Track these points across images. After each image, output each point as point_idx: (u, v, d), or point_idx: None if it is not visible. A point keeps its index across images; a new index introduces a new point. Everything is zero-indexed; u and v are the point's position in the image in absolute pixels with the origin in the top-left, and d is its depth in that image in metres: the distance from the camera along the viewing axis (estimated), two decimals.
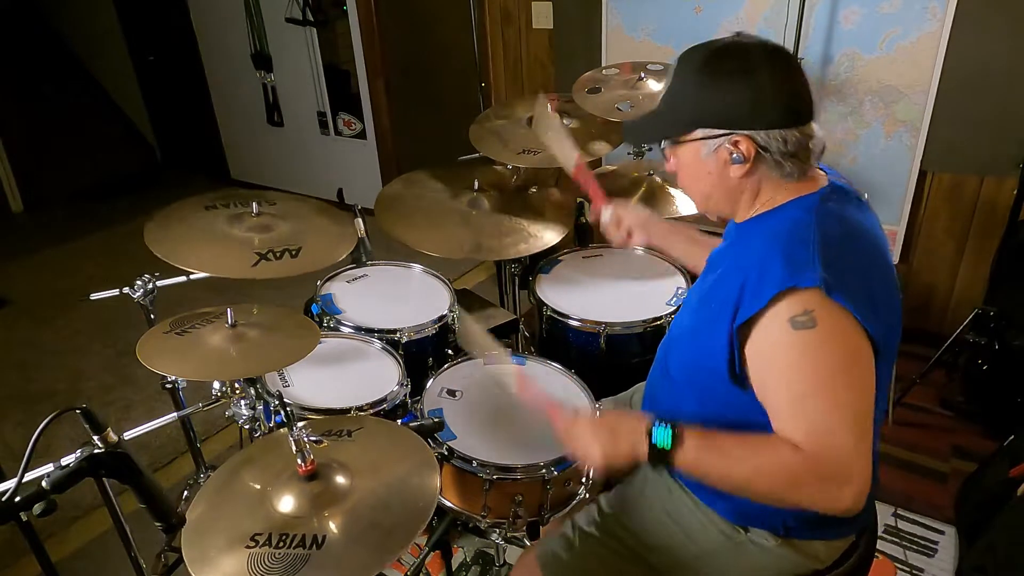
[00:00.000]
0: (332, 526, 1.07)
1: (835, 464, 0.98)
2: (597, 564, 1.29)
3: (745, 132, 1.06)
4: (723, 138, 1.08)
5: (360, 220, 1.81)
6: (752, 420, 1.07)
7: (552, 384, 1.60)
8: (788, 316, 0.99)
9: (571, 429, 1.16)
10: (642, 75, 2.27)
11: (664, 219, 1.66)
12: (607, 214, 1.61)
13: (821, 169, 1.17)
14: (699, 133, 1.10)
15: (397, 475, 1.19)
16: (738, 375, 1.07)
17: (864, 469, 0.98)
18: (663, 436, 1.05)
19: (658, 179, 2.22)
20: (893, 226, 2.85)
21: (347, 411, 1.51)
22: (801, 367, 1.00)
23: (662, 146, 1.18)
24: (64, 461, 1.01)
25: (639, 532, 1.29)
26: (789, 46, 2.75)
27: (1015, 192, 2.39)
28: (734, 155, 1.08)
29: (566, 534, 1.34)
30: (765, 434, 1.04)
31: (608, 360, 1.84)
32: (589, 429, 1.14)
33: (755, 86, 1.04)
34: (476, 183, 2.06)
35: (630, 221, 1.59)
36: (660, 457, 1.05)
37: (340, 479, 1.15)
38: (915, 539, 2.12)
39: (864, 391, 1.00)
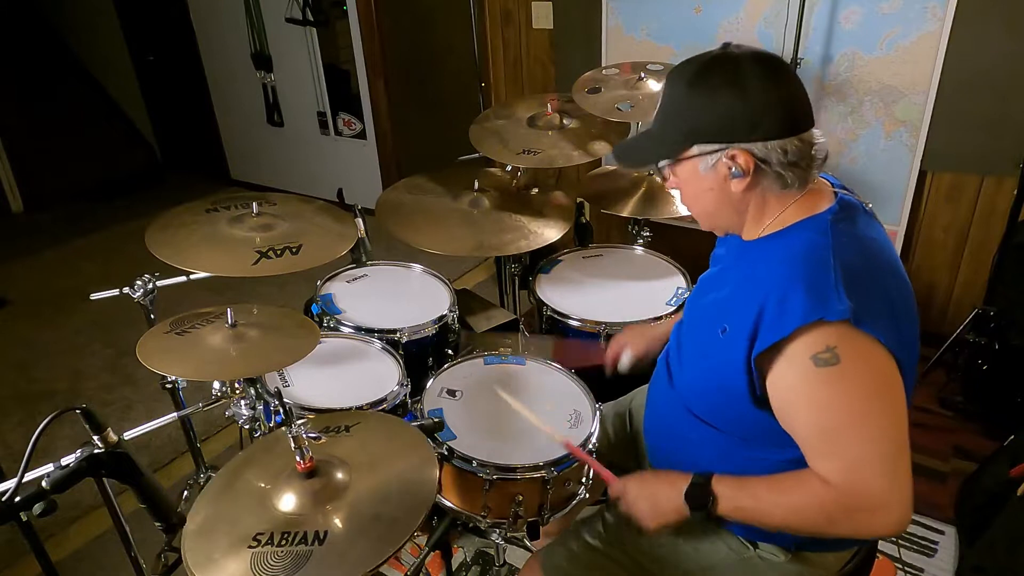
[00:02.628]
0: (334, 521, 1.07)
1: (867, 497, 0.98)
2: None
3: (742, 145, 1.03)
4: (719, 152, 1.05)
5: (360, 220, 1.81)
6: (770, 439, 1.07)
7: (553, 385, 1.60)
8: (811, 353, 0.97)
9: (622, 495, 1.22)
10: (642, 75, 2.27)
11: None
12: (627, 359, 1.58)
13: (825, 179, 1.14)
14: (695, 149, 1.07)
15: (396, 467, 1.19)
16: (760, 398, 1.06)
17: (902, 493, 0.98)
18: (698, 497, 1.10)
19: (658, 179, 2.22)
20: (893, 226, 2.85)
21: (347, 411, 1.51)
22: (828, 404, 0.99)
23: (660, 166, 1.15)
24: (64, 461, 1.01)
25: (645, 545, 1.28)
26: (789, 46, 2.75)
27: (1015, 192, 2.39)
28: (733, 169, 1.05)
29: (571, 545, 1.33)
30: (795, 473, 1.05)
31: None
32: (634, 499, 1.19)
33: (747, 97, 1.01)
34: (476, 183, 2.07)
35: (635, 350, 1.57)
36: (703, 515, 1.11)
37: (339, 474, 1.15)
38: (915, 539, 2.12)
39: (896, 416, 0.99)
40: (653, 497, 1.17)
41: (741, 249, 1.17)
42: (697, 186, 1.11)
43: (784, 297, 1.00)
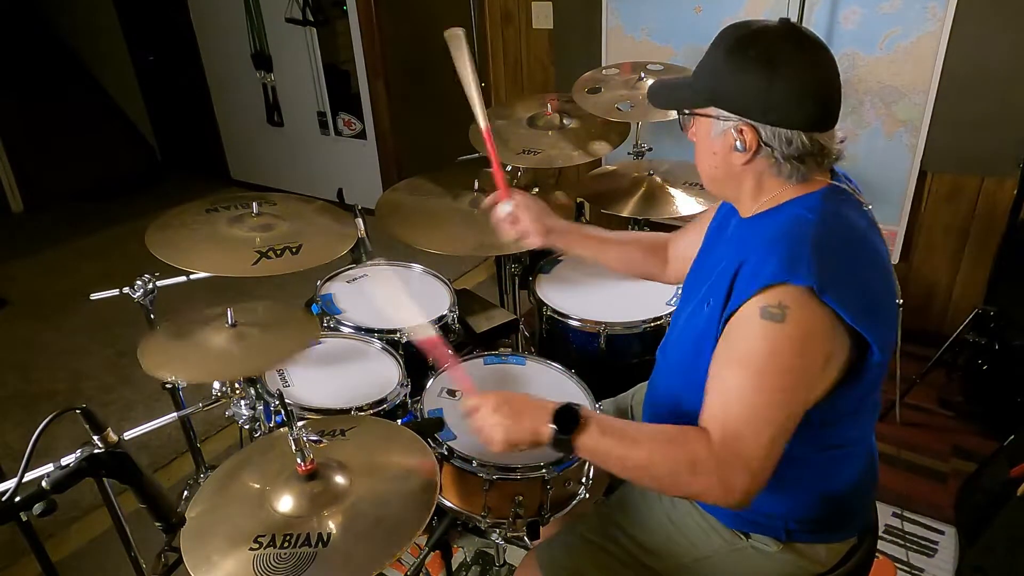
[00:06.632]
0: (335, 524, 1.07)
1: (741, 459, 0.98)
2: (598, 569, 1.29)
3: (752, 122, 1.05)
4: (731, 122, 1.06)
5: (360, 220, 1.81)
6: None
7: (552, 384, 1.60)
8: (762, 304, 0.98)
9: (476, 409, 1.15)
10: (642, 75, 2.28)
11: (567, 221, 1.56)
12: (505, 209, 1.50)
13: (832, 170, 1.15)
14: (713, 111, 1.09)
15: (396, 471, 1.19)
16: None
17: (766, 471, 0.98)
18: (566, 420, 1.08)
19: (658, 179, 2.22)
20: (893, 226, 2.85)
21: (347, 411, 1.51)
22: (754, 357, 0.99)
23: (685, 113, 1.16)
24: (64, 461, 1.01)
25: (640, 537, 1.29)
26: None
27: (1015, 192, 2.39)
28: (737, 142, 1.07)
29: (567, 539, 1.34)
30: (676, 426, 1.05)
31: (608, 360, 1.84)
32: (493, 410, 1.13)
33: (773, 81, 1.02)
34: (476, 183, 2.07)
35: (526, 222, 1.49)
36: (561, 441, 1.08)
37: (339, 478, 1.15)
38: (915, 539, 2.12)
39: (804, 396, 1.00)
40: (515, 412, 1.11)
41: (737, 228, 1.19)
42: (706, 146, 1.13)
43: (760, 263, 1.01)
